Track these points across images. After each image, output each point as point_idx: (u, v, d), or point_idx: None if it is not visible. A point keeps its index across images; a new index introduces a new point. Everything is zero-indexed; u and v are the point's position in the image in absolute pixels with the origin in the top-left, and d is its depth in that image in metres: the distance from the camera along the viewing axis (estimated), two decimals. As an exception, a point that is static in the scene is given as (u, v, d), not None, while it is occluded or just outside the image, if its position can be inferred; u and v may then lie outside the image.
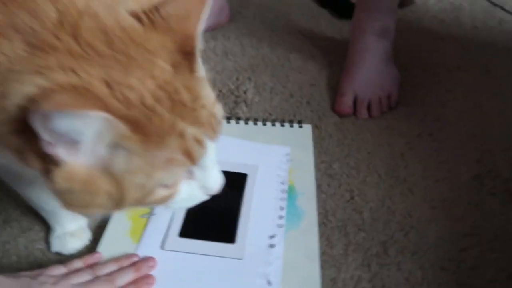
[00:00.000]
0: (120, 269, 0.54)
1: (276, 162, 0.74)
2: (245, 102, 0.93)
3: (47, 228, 0.64)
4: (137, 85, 0.34)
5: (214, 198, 0.64)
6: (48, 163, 0.34)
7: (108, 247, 0.60)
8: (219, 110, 0.41)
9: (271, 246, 0.61)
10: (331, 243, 0.65)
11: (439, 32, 1.23)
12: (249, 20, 1.27)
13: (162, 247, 0.60)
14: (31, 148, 0.34)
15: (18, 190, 0.56)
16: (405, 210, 0.71)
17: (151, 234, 0.62)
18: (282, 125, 0.84)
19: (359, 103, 0.89)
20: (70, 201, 0.36)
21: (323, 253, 0.64)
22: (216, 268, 0.58)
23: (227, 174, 0.69)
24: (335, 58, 1.07)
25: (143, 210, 0.65)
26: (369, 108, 0.89)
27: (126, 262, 0.56)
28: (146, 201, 0.38)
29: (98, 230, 0.64)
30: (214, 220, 0.64)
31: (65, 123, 0.31)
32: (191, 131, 0.36)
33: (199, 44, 0.38)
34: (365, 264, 0.63)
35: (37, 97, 0.31)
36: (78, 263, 0.54)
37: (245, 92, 0.96)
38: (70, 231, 0.62)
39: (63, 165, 0.34)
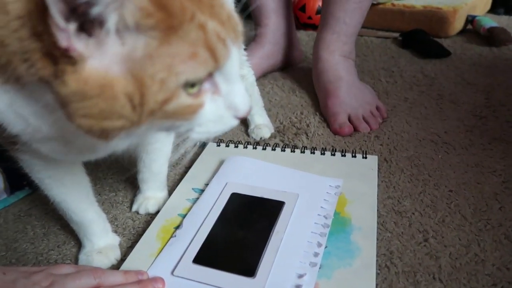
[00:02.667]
0: (124, 284, 0.47)
1: (321, 194, 0.64)
2: (306, 134, 0.85)
3: (80, 243, 0.61)
4: None
5: (241, 224, 0.58)
6: (62, 64, 0.31)
7: (131, 266, 0.54)
8: (238, 18, 0.38)
9: (298, 286, 0.49)
10: (395, 291, 0.51)
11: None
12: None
13: (173, 272, 0.52)
14: (44, 51, 0.32)
15: (48, 192, 0.54)
16: (500, 261, 0.55)
17: (165, 257, 0.55)
18: (343, 155, 0.75)
19: (355, 119, 0.86)
20: (84, 111, 0.32)
21: (382, 303, 0.50)
22: None
23: (262, 201, 0.63)
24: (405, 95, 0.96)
25: (173, 231, 0.59)
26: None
27: (133, 277, 0.49)
28: (169, 109, 0.34)
29: (129, 250, 0.59)
30: (236, 248, 0.55)
31: None
32: (211, 25, 0.34)
33: None
34: (440, 323, 0.47)
35: None
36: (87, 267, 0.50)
37: (307, 125, 0.89)
38: (99, 248, 0.58)
39: (79, 64, 0.31)
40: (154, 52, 0.32)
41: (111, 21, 0.30)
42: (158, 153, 0.65)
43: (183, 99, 0.34)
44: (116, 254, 0.59)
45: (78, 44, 0.30)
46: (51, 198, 0.55)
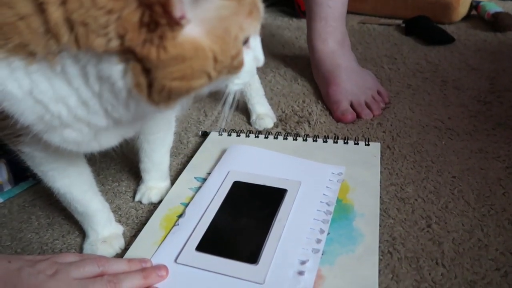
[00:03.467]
0: (128, 272, 0.47)
1: (324, 181, 0.63)
2: (308, 122, 0.85)
3: (84, 233, 0.61)
4: None
5: (244, 212, 0.58)
6: (161, 31, 0.34)
7: (134, 255, 0.55)
8: None
9: (300, 273, 0.49)
10: (398, 277, 0.51)
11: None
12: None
13: (176, 260, 0.52)
14: (141, 21, 0.34)
15: (52, 184, 0.54)
16: (503, 246, 0.55)
17: (168, 245, 0.55)
18: (346, 143, 0.74)
19: (358, 106, 0.85)
20: (178, 73, 0.36)
21: (385, 288, 0.50)
22: None
23: (264, 189, 0.63)
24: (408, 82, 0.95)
25: (175, 220, 0.59)
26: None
27: (137, 265, 0.50)
28: (234, 63, 0.39)
29: (132, 239, 0.59)
30: (238, 235, 0.55)
31: None
32: None
33: None
34: (443, 307, 0.47)
35: None
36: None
37: (309, 114, 0.88)
38: (103, 237, 0.59)
39: (177, 30, 0.34)
40: (232, 12, 0.37)
41: None
42: (159, 143, 0.65)
43: (243, 53, 0.40)
44: (120, 243, 0.59)
45: (189, 12, 0.34)
46: (55, 190, 0.55)
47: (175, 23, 0.33)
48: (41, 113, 0.39)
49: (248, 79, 0.44)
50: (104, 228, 0.59)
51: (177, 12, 0.33)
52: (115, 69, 0.36)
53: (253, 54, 0.43)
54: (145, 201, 0.67)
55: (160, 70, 0.35)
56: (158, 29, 0.33)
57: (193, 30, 0.35)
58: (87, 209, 0.57)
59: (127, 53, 0.35)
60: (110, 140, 0.48)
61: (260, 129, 0.84)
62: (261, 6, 0.41)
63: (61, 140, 0.43)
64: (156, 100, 0.37)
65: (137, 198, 0.67)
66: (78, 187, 0.56)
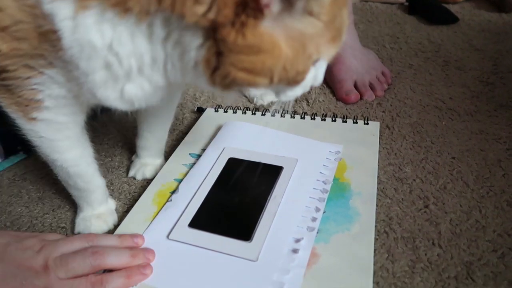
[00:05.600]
0: (115, 248, 0.46)
1: (321, 159, 0.62)
2: (307, 100, 0.83)
3: (75, 208, 0.60)
4: None
5: (238, 189, 0.57)
6: (246, 16, 0.34)
7: (126, 230, 0.54)
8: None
9: (295, 251, 0.48)
10: (393, 256, 0.51)
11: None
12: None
13: (168, 236, 0.51)
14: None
15: (59, 156, 0.51)
16: (501, 227, 0.54)
17: (161, 221, 0.54)
18: (344, 121, 0.73)
19: (361, 86, 0.83)
20: (248, 65, 0.36)
21: (380, 267, 0.49)
22: (224, 267, 0.47)
23: (260, 166, 0.61)
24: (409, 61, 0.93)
25: (168, 196, 0.58)
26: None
27: (129, 242, 0.49)
28: (298, 78, 0.40)
29: (124, 215, 0.58)
30: (232, 212, 0.54)
31: None
32: (345, 13, 0.40)
33: None
34: (439, 287, 0.47)
35: None
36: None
37: (308, 92, 0.86)
38: (98, 213, 0.58)
39: (260, 20, 0.34)
40: (316, 32, 0.37)
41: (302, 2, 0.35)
42: (166, 118, 0.64)
43: (308, 72, 0.40)
44: (114, 219, 0.58)
45: (275, 4, 0.34)
46: (59, 163, 0.51)
47: (259, 10, 0.34)
48: (113, 65, 0.39)
49: (300, 93, 0.44)
50: (101, 204, 0.58)
51: None
52: (195, 41, 0.37)
53: (315, 73, 0.43)
54: (139, 177, 0.65)
55: (232, 55, 0.36)
56: (243, 13, 0.34)
57: (274, 30, 0.35)
58: (88, 184, 0.56)
59: (210, 31, 0.35)
60: (153, 99, 0.46)
61: (264, 104, 0.82)
62: (344, 35, 0.41)
63: (117, 96, 0.42)
64: (216, 82, 0.38)
65: (130, 173, 0.66)
66: (85, 159, 0.54)
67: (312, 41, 0.37)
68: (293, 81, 0.40)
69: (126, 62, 0.39)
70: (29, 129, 0.47)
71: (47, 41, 0.38)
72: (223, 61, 0.36)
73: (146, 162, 0.66)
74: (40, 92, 0.43)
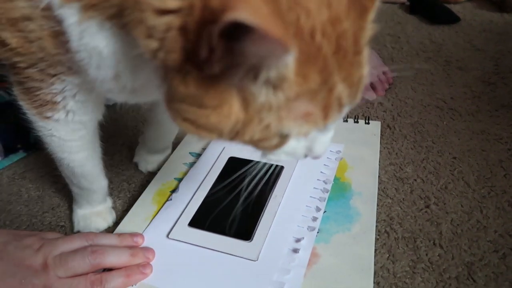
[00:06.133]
0: (115, 247, 0.46)
1: (321, 159, 0.62)
2: (307, 100, 0.83)
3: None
4: (314, 9, 0.28)
5: (240, 189, 0.56)
6: (191, 63, 0.29)
7: (126, 229, 0.53)
8: (367, 73, 0.34)
9: (295, 250, 0.48)
10: (394, 257, 0.50)
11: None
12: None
13: (168, 235, 0.51)
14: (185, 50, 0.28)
15: (62, 161, 0.50)
16: (502, 228, 0.54)
17: (161, 220, 0.54)
18: (345, 121, 0.72)
19: None
20: (191, 116, 0.31)
21: (381, 267, 0.49)
22: (224, 267, 0.47)
23: (260, 165, 0.61)
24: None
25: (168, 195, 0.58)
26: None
27: (128, 241, 0.48)
28: (259, 145, 0.34)
29: (124, 214, 0.58)
30: (232, 212, 0.53)
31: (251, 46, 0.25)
32: (340, 88, 0.31)
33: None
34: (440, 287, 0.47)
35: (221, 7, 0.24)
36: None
37: (309, 91, 0.86)
38: (97, 211, 0.57)
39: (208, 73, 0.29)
40: (276, 104, 0.30)
41: (262, 74, 0.29)
42: None
43: (274, 141, 0.34)
44: (113, 217, 0.58)
45: (216, 64, 0.27)
46: (67, 162, 0.50)
47: (199, 64, 0.28)
48: (121, 76, 0.37)
49: (286, 159, 0.39)
50: (100, 203, 0.58)
51: (203, 52, 0.27)
52: (158, 76, 0.33)
53: (307, 144, 0.37)
54: (142, 167, 0.66)
55: (176, 103, 0.31)
56: (189, 61, 0.28)
57: (227, 87, 0.30)
58: (92, 184, 0.55)
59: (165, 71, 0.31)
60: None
61: None
62: (338, 112, 0.33)
63: (129, 98, 0.42)
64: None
65: (135, 159, 0.67)
66: (92, 160, 0.53)
67: (271, 112, 0.31)
68: (260, 147, 0.35)
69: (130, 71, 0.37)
70: (42, 126, 0.46)
71: (60, 43, 0.37)
72: (170, 107, 0.32)
73: (151, 155, 0.66)
74: (59, 95, 0.42)
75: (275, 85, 0.29)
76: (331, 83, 0.30)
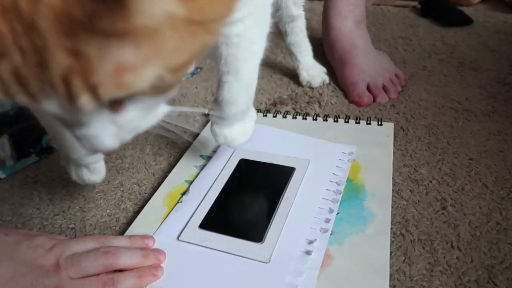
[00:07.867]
0: (128, 248, 0.46)
1: (334, 160, 0.61)
2: (319, 102, 0.82)
3: (85, 208, 0.60)
4: None
5: (250, 190, 0.55)
6: None
7: (136, 231, 0.53)
8: None
9: (308, 252, 0.47)
10: (410, 259, 0.49)
11: None
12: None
13: (178, 237, 0.50)
14: None
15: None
16: (524, 230, 0.52)
17: (171, 222, 0.53)
18: (357, 123, 0.71)
19: (374, 88, 0.81)
20: None
21: (396, 270, 0.48)
22: (235, 269, 0.46)
23: (271, 167, 0.60)
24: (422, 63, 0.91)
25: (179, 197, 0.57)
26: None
27: (139, 242, 0.48)
28: None
29: (135, 216, 0.57)
30: (243, 213, 0.53)
31: None
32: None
33: None
34: (458, 291, 0.45)
35: None
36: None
37: (320, 94, 0.85)
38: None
39: None
40: None
41: None
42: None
43: None
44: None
45: None
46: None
47: None
48: None
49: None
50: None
51: None
52: None
53: None
54: (221, 140, 0.55)
55: None
56: None
57: None
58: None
59: None
60: None
61: (304, 83, 0.87)
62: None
63: None
64: None
65: (211, 129, 0.56)
66: None
67: None
68: None
69: None
70: None
71: None
72: None
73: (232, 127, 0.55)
74: None
75: None
76: None
